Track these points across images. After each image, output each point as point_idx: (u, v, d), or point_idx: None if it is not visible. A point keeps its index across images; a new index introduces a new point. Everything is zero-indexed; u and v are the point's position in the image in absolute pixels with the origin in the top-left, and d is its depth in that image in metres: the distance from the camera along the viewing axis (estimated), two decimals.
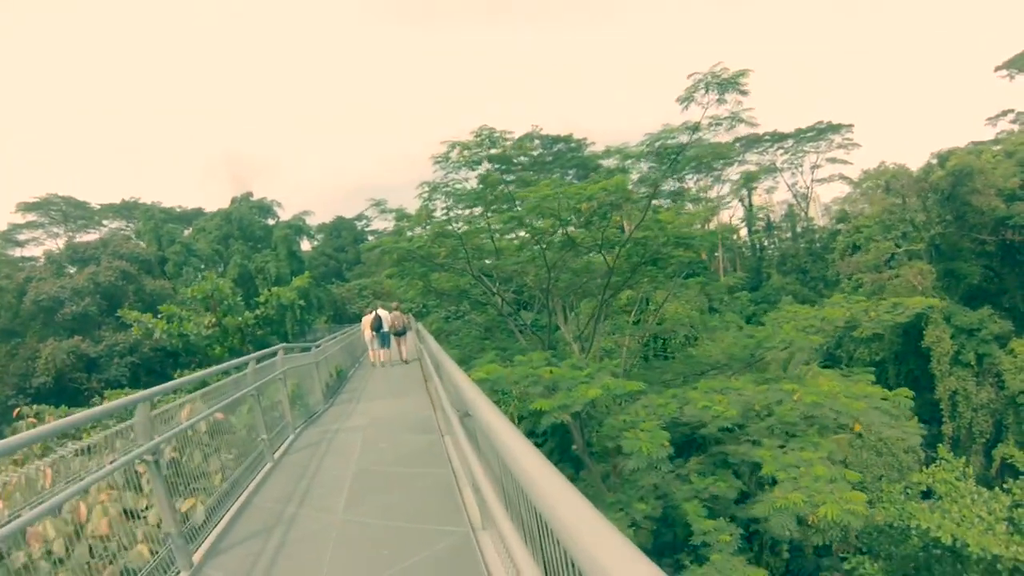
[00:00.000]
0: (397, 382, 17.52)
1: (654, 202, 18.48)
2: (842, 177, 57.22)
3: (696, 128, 15.45)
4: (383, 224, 21.00)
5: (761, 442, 15.02)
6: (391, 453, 9.07)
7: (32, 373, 33.39)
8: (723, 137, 16.14)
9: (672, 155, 16.00)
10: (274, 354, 11.49)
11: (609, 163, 21.16)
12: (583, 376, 13.75)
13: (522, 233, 23.59)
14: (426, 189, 18.41)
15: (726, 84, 14.40)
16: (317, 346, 16.22)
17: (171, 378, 19.01)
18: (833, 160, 57.48)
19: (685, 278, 29.80)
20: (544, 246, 18.37)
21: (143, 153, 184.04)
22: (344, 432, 11.02)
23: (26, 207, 58.39)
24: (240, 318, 20.72)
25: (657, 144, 15.85)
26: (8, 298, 38.26)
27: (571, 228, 18.87)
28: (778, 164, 60.38)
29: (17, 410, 11.69)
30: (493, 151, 17.58)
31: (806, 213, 61.21)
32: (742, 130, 16.37)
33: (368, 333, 21.26)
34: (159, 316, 20.30)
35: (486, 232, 20.15)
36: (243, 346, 21.06)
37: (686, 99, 14.78)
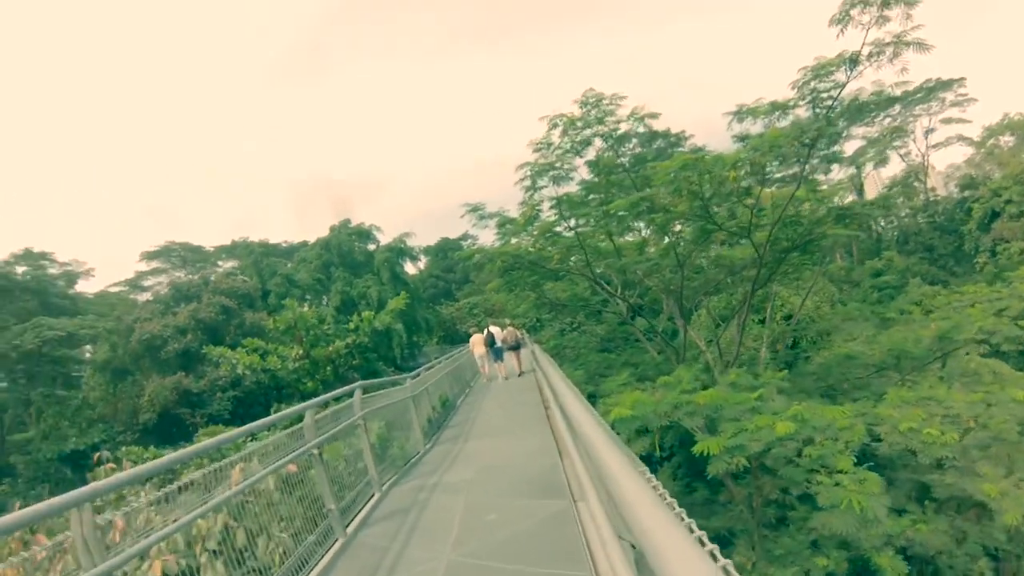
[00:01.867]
0: (512, 410, 14.70)
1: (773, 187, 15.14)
2: (961, 139, 48.63)
3: (855, 60, 12.00)
4: (488, 237, 18.16)
5: (981, 472, 11.46)
6: (502, 531, 6.26)
7: (139, 410, 33.08)
8: (886, 73, 12.55)
9: (828, 101, 12.58)
10: (351, 394, 9.06)
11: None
12: (753, 399, 10.54)
13: (641, 231, 20.57)
14: (527, 173, 15.25)
15: None
16: (416, 376, 13.71)
17: (270, 413, 17.20)
18: (948, 121, 47.25)
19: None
20: (676, 237, 15.29)
21: (247, 196, 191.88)
22: (443, 491, 8.27)
23: (148, 255, 61.86)
24: (330, 348, 18.59)
25: (811, 86, 12.43)
26: (115, 338, 38.54)
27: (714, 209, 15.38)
28: (884, 135, 51.85)
29: (97, 455, 10.63)
30: (601, 128, 14.61)
31: (925, 184, 52.30)
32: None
33: (479, 350, 21.65)
34: (244, 350, 18.51)
35: (604, 229, 17.09)
36: (336, 378, 18.93)
37: (842, 19, 11.43)
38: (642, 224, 22.72)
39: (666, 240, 17.57)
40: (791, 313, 25.42)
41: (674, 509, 2.07)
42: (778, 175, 16.12)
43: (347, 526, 7.13)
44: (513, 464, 8.96)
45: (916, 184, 51.46)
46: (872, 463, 11.52)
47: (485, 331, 22.01)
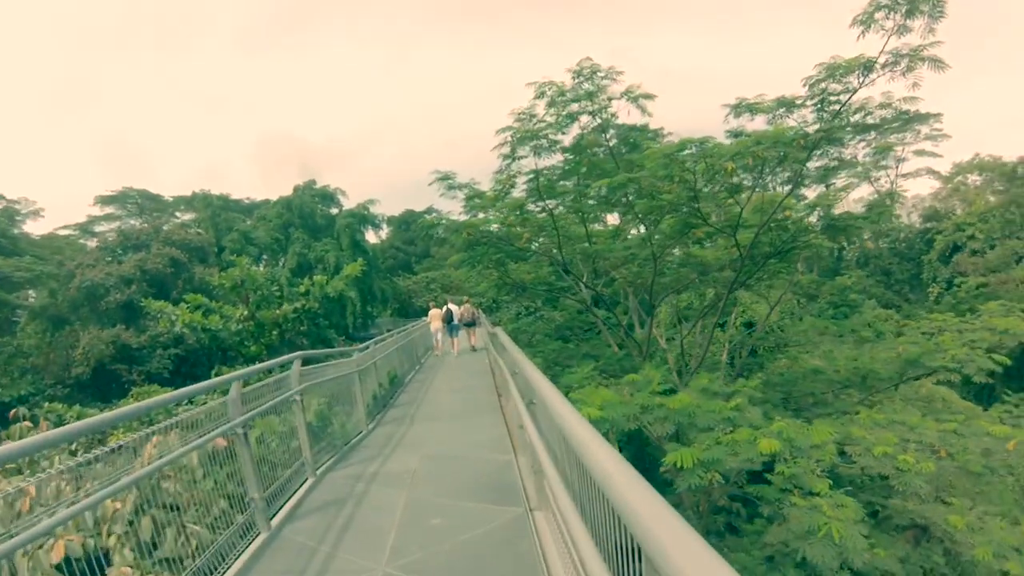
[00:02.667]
0: (463, 393, 13.89)
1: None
2: (930, 172, 48.69)
3: (870, 67, 11.34)
4: (455, 210, 16.89)
5: (949, 501, 11.04)
6: (447, 540, 5.40)
7: (72, 362, 31.23)
8: (897, 85, 11.88)
9: (835, 105, 11.89)
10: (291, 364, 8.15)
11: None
12: (729, 409, 9.82)
13: (612, 219, 19.76)
14: (508, 139, 14.01)
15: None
16: (365, 348, 12.78)
17: (213, 375, 16.10)
18: (920, 153, 44.72)
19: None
20: (654, 228, 14.53)
21: (215, 148, 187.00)
22: (383, 482, 7.37)
23: (103, 200, 59.61)
24: (278, 311, 17.50)
25: (823, 86, 11.70)
26: (54, 284, 36.64)
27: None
28: (860, 159, 51.84)
29: (13, 412, 9.65)
30: (588, 104, 13.67)
31: (892, 210, 53.23)
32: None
33: (436, 324, 22.83)
34: (187, 307, 17.32)
35: (578, 212, 16.27)
36: (282, 343, 17.87)
37: (865, 21, 10.74)
38: (616, 213, 22.00)
39: (643, 230, 16.81)
40: (751, 320, 25.00)
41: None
42: (753, 182, 15.44)
43: (272, 517, 6.26)
44: (462, 456, 8.13)
45: (892, 209, 52.22)
46: (831, 482, 11.06)
47: (444, 307, 23.22)
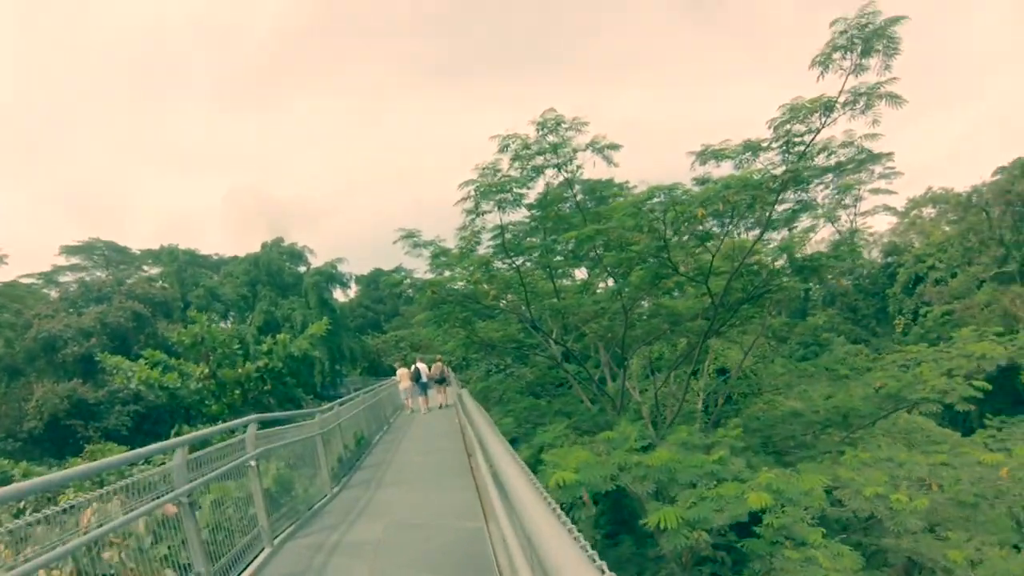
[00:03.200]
0: (433, 455, 13.37)
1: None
2: (887, 208, 50.88)
3: (830, 107, 11.38)
4: (422, 268, 16.52)
5: (945, 536, 10.76)
6: None
7: (25, 416, 29.99)
8: (858, 123, 11.95)
9: (799, 147, 11.88)
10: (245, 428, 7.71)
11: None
12: (711, 462, 9.43)
13: (580, 274, 19.55)
14: (471, 193, 13.46)
15: (873, 36, 10.51)
16: (329, 409, 12.25)
17: (173, 434, 15.38)
18: (876, 191, 50.94)
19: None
20: (623, 281, 14.28)
21: (184, 202, 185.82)
22: (344, 553, 6.84)
23: (68, 250, 58.10)
24: (240, 369, 16.90)
25: (787, 127, 11.69)
26: (9, 333, 35.48)
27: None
28: (820, 200, 53.20)
29: None
30: (552, 158, 13.49)
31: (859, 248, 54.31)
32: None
33: (404, 384, 23.57)
34: (145, 363, 16.67)
35: (545, 268, 16.00)
36: (245, 403, 17.22)
37: (823, 62, 10.82)
38: (583, 268, 21.80)
39: (611, 283, 16.57)
40: (723, 367, 24.74)
41: None
42: (722, 229, 15.36)
43: None
44: (430, 524, 7.64)
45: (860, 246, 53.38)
46: (823, 530, 10.68)
47: (412, 367, 24.00)
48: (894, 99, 11.17)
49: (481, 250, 15.53)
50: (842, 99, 11.33)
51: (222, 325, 46.54)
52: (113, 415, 29.93)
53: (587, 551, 1.91)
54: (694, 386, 20.98)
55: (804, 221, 16.42)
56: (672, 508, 8.49)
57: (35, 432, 29.59)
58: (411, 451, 14.49)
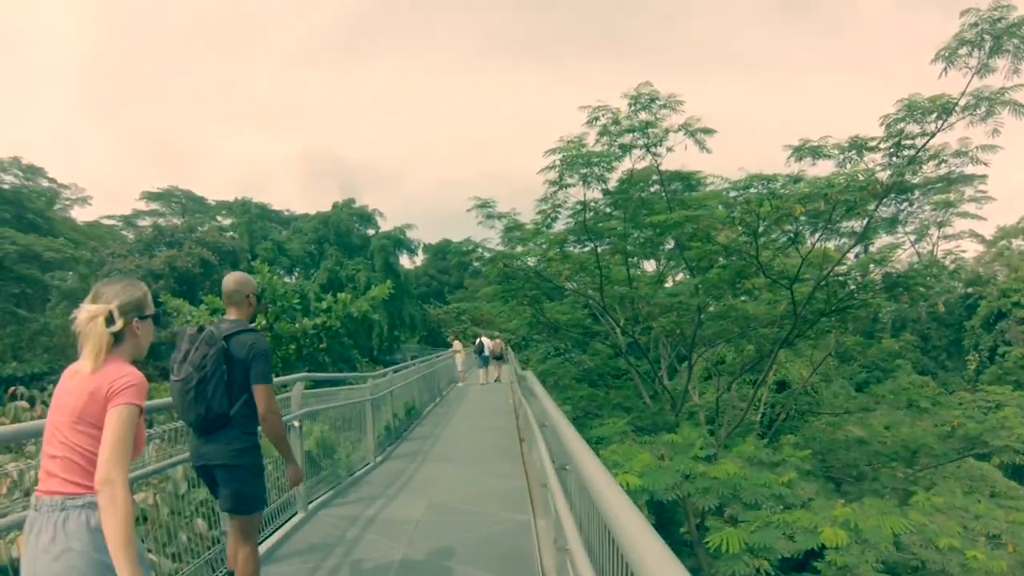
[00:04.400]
0: (483, 433, 12.88)
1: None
2: (973, 234, 48.00)
3: (949, 109, 10.38)
4: (491, 239, 15.88)
5: None
6: None
7: None
8: (977, 132, 10.86)
9: (909, 151, 10.94)
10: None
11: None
12: (780, 484, 8.69)
13: (649, 267, 18.88)
14: (555, 162, 12.69)
15: (1005, 33, 9.48)
16: (382, 375, 11.92)
17: None
18: (964, 215, 47.44)
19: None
20: (702, 275, 13.52)
21: (262, 158, 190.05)
22: (378, 531, 6.42)
23: (149, 196, 60.94)
24: (297, 325, 16.71)
25: (899, 127, 10.73)
26: (84, 270, 36.37)
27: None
28: (900, 218, 50.15)
29: (12, 389, 9.49)
30: (639, 138, 12.69)
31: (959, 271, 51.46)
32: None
33: (460, 357, 25.61)
34: (206, 308, 16.62)
35: (621, 253, 15.32)
36: (299, 359, 17.05)
37: (948, 57, 9.87)
38: (654, 260, 21.01)
39: (682, 278, 15.79)
40: (783, 379, 23.68)
41: None
42: (819, 232, 14.39)
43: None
44: (474, 511, 7.11)
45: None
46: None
47: (476, 340, 26.21)
48: (1019, 108, 10.12)
49: (557, 228, 15.00)
50: (962, 102, 10.32)
51: (286, 280, 47.16)
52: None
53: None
54: (746, 394, 20.10)
55: (883, 239, 15.41)
56: (735, 530, 7.77)
57: None
58: (461, 427, 14.08)
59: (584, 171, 12.65)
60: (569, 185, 13.17)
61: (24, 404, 8.33)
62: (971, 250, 51.00)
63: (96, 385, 2.38)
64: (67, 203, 57.95)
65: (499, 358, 26.42)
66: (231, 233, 51.11)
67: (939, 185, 13.66)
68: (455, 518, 6.80)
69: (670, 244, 19.23)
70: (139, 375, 2.45)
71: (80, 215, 58.34)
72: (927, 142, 11.02)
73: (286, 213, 67.44)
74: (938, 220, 17.56)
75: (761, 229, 12.01)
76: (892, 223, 13.79)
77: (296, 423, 6.82)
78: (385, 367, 12.37)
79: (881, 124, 10.91)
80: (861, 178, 11.11)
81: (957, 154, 11.34)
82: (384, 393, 11.36)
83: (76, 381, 2.44)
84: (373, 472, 9.31)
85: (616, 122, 12.46)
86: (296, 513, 6.70)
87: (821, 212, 11.66)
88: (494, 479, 8.58)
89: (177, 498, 5.03)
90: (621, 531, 1.72)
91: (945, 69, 10.07)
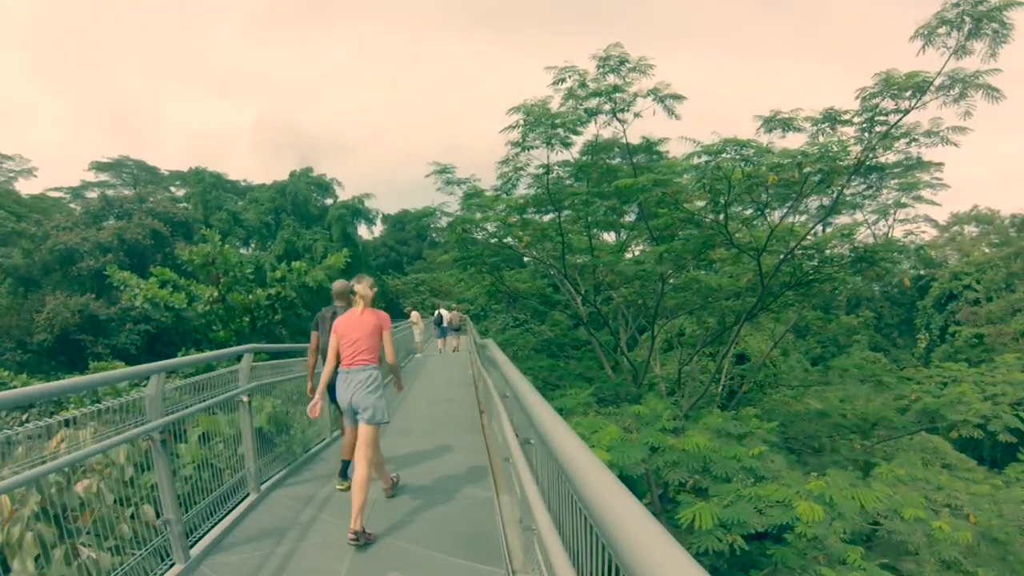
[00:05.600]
0: (442, 405, 12.48)
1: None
2: (928, 219, 49.25)
3: (924, 87, 10.25)
4: (451, 208, 15.38)
5: (972, 571, 9.79)
6: None
7: (36, 328, 29.34)
8: (951, 114, 10.77)
9: (881, 127, 10.79)
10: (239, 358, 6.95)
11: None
12: (751, 456, 8.50)
13: (608, 238, 18.68)
14: (519, 121, 12.25)
15: (986, 16, 9.37)
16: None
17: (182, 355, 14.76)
18: (919, 200, 48.92)
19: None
20: (669, 244, 13.25)
21: (217, 127, 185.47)
22: (334, 511, 6.03)
23: (98, 166, 59.27)
24: (250, 296, 16.10)
25: (874, 101, 10.57)
26: (27, 244, 34.96)
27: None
28: (865, 196, 51.12)
29: None
30: (613, 105, 12.29)
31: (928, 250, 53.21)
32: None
33: (418, 327, 26.37)
34: (156, 281, 15.93)
35: (584, 220, 14.99)
36: (253, 331, 16.47)
37: (928, 35, 9.74)
38: (613, 232, 20.80)
39: (640, 250, 15.58)
40: (742, 352, 23.83)
41: None
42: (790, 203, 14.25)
43: (195, 544, 5.04)
44: (434, 487, 6.78)
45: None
46: (862, 550, 9.75)
47: (436, 312, 27.77)
48: (992, 92, 10.06)
49: (518, 193, 14.65)
50: (937, 81, 10.22)
51: (243, 251, 46.08)
52: (124, 333, 29.32)
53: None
54: (711, 367, 20.14)
55: (842, 219, 15.44)
56: (708, 505, 7.57)
57: (45, 344, 29.08)
58: (420, 399, 13.67)
59: (548, 132, 12.22)
60: (532, 147, 12.73)
61: None
62: (925, 234, 52.78)
63: (375, 319, 5.56)
64: (10, 175, 55.97)
65: (457, 329, 27.28)
66: (184, 204, 49.80)
67: (897, 171, 13.60)
68: (415, 496, 6.48)
69: (631, 216, 19.02)
70: (387, 315, 5.79)
71: (25, 188, 56.34)
72: (900, 119, 10.86)
73: (242, 183, 66.07)
74: (900, 200, 17.66)
75: (730, 199, 11.74)
76: (854, 205, 13.73)
77: (244, 398, 6.42)
78: None
79: (857, 97, 10.74)
80: (835, 149, 10.89)
81: (928, 134, 11.21)
82: None
83: (360, 318, 5.54)
84: (328, 449, 8.95)
85: (583, 84, 12.04)
86: (248, 495, 6.33)
87: (792, 183, 11.44)
88: (455, 453, 8.27)
89: (123, 484, 4.70)
90: (608, 514, 1.45)
91: (924, 47, 9.94)
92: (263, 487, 6.62)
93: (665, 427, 9.42)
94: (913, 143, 11.35)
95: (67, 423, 4.11)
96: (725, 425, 10.23)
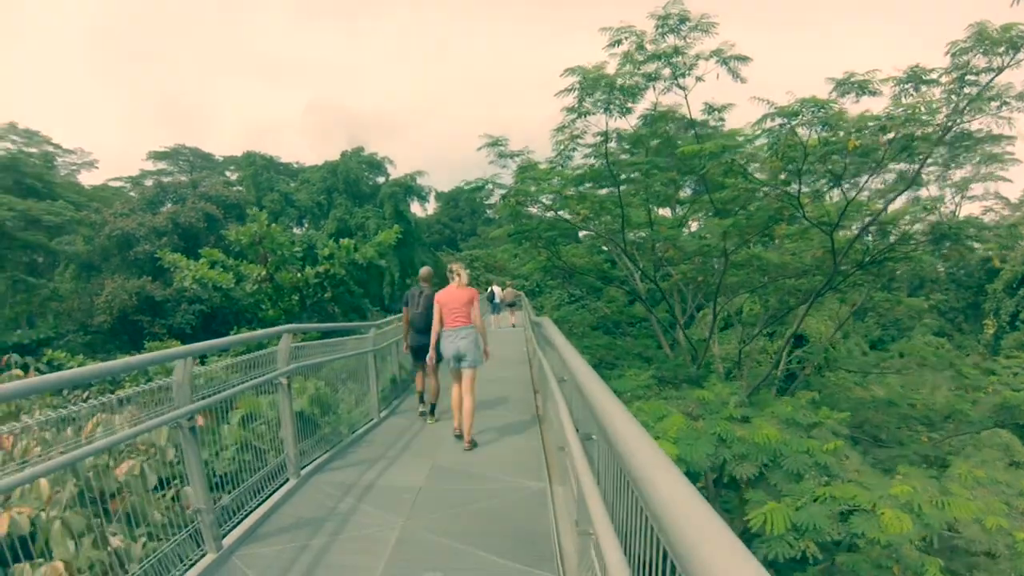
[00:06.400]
0: (494, 384, 11.84)
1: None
2: (998, 196, 43.69)
3: (1017, 44, 9.26)
4: (504, 180, 14.87)
5: None
6: None
7: (96, 310, 29.93)
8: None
9: (971, 88, 9.83)
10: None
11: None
12: (824, 452, 7.76)
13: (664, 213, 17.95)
14: (575, 84, 11.41)
15: None
16: (387, 324, 11.09)
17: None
18: (989, 177, 45.42)
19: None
20: (735, 217, 12.49)
21: (269, 113, 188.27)
22: (375, 501, 5.66)
23: (156, 155, 60.01)
24: (299, 274, 15.92)
25: (965, 58, 9.62)
26: (88, 231, 35.85)
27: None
28: (923, 176, 48.34)
29: (5, 358, 9.06)
30: (664, 68, 11.53)
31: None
32: None
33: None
34: (206, 261, 15.87)
35: (643, 193, 14.29)
36: (303, 310, 16.32)
37: None
38: (669, 208, 20.03)
39: (724, 220, 14.83)
40: (801, 333, 22.81)
41: None
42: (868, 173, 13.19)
43: (230, 532, 4.74)
44: (483, 476, 6.33)
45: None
46: (941, 562, 8.82)
47: (488, 289, 28.15)
48: None
49: (572, 165, 14.07)
50: None
51: (296, 231, 46.38)
52: (179, 313, 29.63)
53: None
54: (770, 349, 19.28)
55: (903, 198, 14.37)
56: (780, 506, 6.86)
57: (104, 326, 29.73)
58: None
59: (606, 97, 11.49)
60: (589, 112, 12.02)
61: (19, 372, 8.22)
62: (994, 213, 49.75)
63: (468, 293, 7.50)
64: (73, 168, 57.58)
65: (511, 304, 27.57)
66: (237, 187, 50.30)
67: (967, 143, 12.50)
68: (462, 485, 6.06)
69: (686, 191, 18.19)
70: (476, 290, 7.93)
71: (87, 179, 58.38)
72: (992, 79, 9.85)
73: (294, 165, 66.63)
74: (981, 173, 16.37)
75: (804, 167, 10.84)
76: (917, 183, 12.60)
77: (283, 380, 6.06)
78: (399, 315, 11.60)
79: (947, 53, 9.75)
80: (924, 111, 9.94)
81: (1021, 96, 10.16)
82: (389, 343, 10.61)
83: (457, 291, 7.46)
84: (376, 430, 8.65)
85: (641, 46, 11.27)
86: (287, 480, 6.00)
87: (871, 150, 10.52)
88: (507, 438, 7.81)
89: (164, 465, 4.71)
90: (682, 532, 1.21)
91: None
92: (303, 471, 6.29)
93: (732, 415, 8.77)
94: (1005, 106, 10.30)
95: (103, 408, 4.01)
96: (794, 414, 9.46)
